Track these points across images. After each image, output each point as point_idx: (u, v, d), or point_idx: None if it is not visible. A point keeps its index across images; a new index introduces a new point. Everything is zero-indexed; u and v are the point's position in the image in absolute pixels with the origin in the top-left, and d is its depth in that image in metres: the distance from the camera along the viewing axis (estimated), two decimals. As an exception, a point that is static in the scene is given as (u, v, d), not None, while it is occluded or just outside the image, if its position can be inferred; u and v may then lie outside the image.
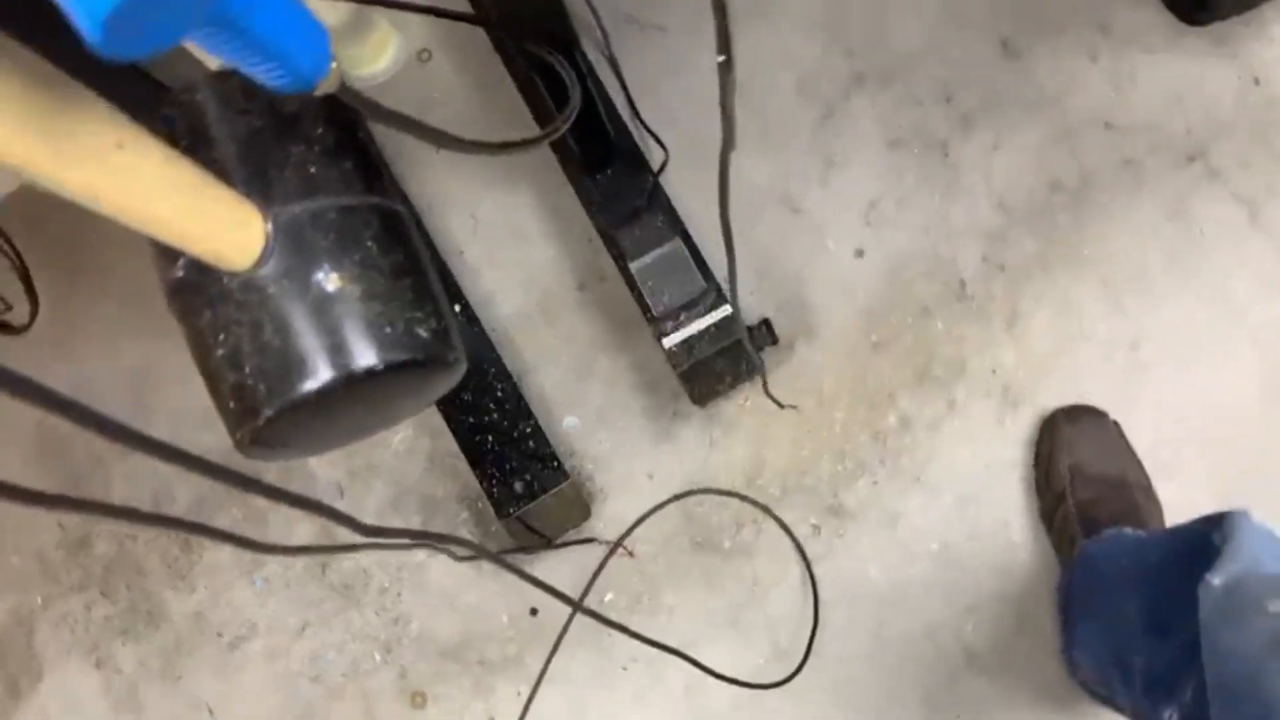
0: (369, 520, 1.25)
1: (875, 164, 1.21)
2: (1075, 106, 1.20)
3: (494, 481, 1.13)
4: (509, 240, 1.28)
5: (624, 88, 1.27)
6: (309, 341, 0.60)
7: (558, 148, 1.25)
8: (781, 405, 1.16)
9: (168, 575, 1.26)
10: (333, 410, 0.64)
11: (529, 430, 1.16)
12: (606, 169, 1.19)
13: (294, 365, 0.60)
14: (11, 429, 1.32)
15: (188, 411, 1.30)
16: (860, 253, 1.20)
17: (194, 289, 0.62)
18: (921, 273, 1.18)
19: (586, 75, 1.11)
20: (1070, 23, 1.22)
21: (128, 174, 0.47)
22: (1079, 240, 1.16)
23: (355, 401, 0.65)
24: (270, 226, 0.60)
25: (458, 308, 1.23)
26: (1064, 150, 1.19)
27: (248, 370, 0.61)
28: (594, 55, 1.29)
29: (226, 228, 0.57)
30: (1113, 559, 0.98)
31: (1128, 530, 1.01)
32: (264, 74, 0.46)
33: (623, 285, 1.21)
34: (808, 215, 1.21)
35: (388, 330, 0.63)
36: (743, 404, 1.19)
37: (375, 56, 1.32)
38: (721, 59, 0.65)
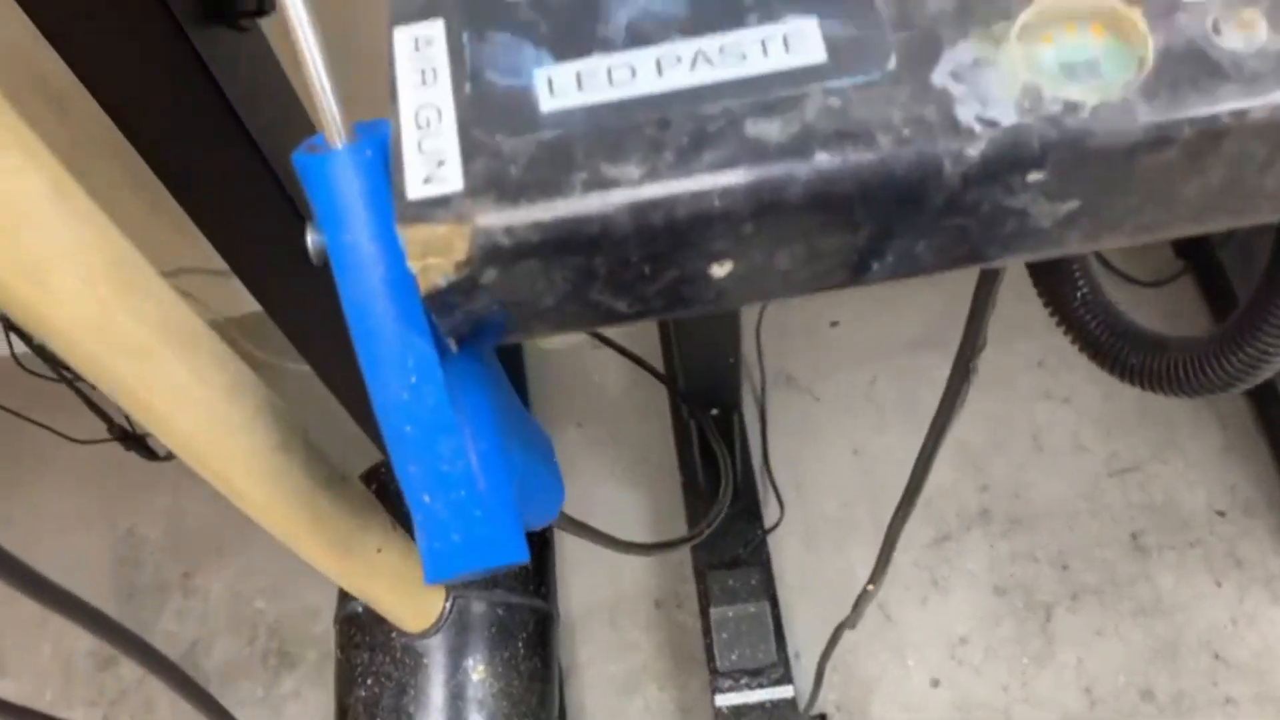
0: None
1: (976, 602, 1.22)
2: (1189, 624, 1.19)
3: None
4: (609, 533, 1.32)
5: (764, 440, 1.33)
6: None
7: (685, 470, 1.31)
8: (810, 817, 1.12)
9: (171, 725, 1.26)
10: None
11: (557, 734, 1.15)
12: (721, 509, 1.23)
13: None
14: (96, 536, 1.39)
15: (237, 597, 1.34)
16: (936, 683, 1.19)
17: (364, 629, 0.68)
18: (990, 730, 1.16)
19: (736, 438, 1.17)
20: (1205, 541, 1.23)
21: (375, 572, 0.52)
22: (1158, 766, 1.12)
23: None
24: (449, 605, 0.66)
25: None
26: (1166, 663, 1.17)
27: None
28: (745, 397, 1.37)
29: (416, 602, 0.63)
30: None
31: None
32: None
33: (697, 622, 1.22)
34: (897, 627, 1.21)
35: None
36: (771, 792, 1.16)
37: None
38: (870, 587, 0.70)
